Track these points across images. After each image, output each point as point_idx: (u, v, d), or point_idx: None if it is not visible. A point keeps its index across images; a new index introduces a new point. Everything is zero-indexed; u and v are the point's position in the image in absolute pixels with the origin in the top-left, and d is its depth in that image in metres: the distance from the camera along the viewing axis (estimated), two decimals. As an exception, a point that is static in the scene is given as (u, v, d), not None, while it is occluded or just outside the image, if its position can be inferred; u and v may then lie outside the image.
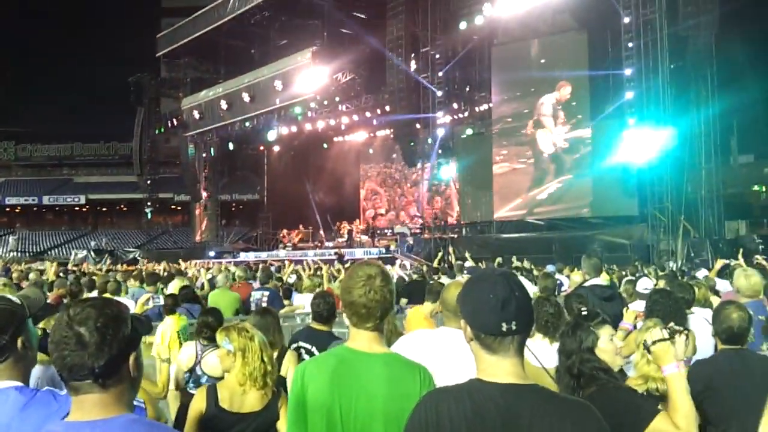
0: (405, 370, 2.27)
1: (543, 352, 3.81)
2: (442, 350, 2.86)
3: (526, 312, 1.69)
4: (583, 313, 3.06)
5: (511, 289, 1.66)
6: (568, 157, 23.13)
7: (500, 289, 1.66)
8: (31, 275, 11.00)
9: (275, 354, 3.96)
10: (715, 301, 6.10)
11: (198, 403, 3.19)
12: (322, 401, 2.20)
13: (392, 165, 34.90)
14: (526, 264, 13.55)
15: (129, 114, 41.45)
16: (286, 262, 17.24)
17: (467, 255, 14.01)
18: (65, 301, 7.15)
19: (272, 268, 12.73)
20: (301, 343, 4.50)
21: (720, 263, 9.91)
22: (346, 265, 15.37)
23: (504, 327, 1.63)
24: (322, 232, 31.95)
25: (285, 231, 32.26)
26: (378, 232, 29.81)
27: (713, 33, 18.69)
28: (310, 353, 4.36)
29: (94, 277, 10.61)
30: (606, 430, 1.66)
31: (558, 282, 8.87)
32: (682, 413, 2.42)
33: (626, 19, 19.39)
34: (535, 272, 12.50)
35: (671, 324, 2.58)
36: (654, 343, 2.56)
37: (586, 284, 5.39)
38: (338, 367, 2.24)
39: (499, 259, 14.05)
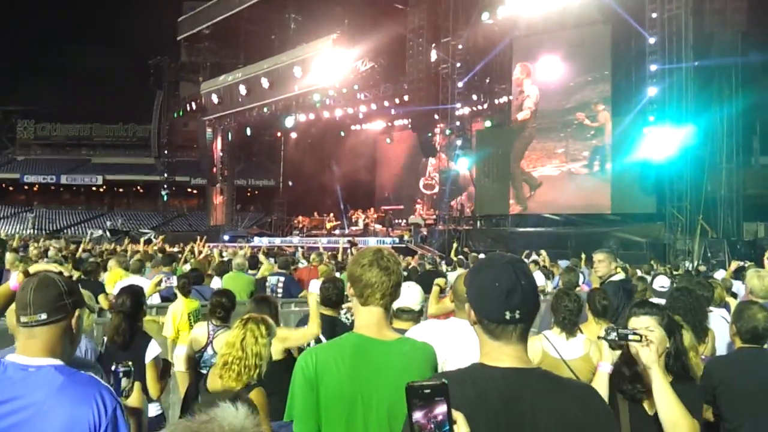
0: (418, 353, 2.25)
1: (560, 346, 3.79)
2: (453, 341, 2.85)
3: (531, 302, 1.68)
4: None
5: (516, 278, 1.64)
6: (586, 153, 22.93)
7: (506, 277, 1.64)
8: (51, 252, 11.06)
9: None
10: (732, 302, 6.05)
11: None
12: (342, 389, 2.13)
13: (410, 154, 34.69)
14: (540, 259, 13.46)
15: (148, 97, 41.68)
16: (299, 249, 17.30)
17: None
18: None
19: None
20: (307, 329, 4.50)
21: (735, 265, 9.84)
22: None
23: (507, 315, 1.63)
24: (332, 218, 31.89)
25: (300, 217, 32.37)
26: (393, 222, 29.76)
27: (740, 31, 18.40)
28: (317, 339, 4.35)
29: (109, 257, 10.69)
30: (609, 413, 1.68)
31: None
32: None
33: (653, 14, 19.12)
34: (547, 265, 12.45)
35: (636, 328, 2.49)
36: (599, 338, 2.56)
37: (615, 279, 5.31)
38: (355, 354, 2.18)
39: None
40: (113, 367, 2.57)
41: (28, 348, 1.86)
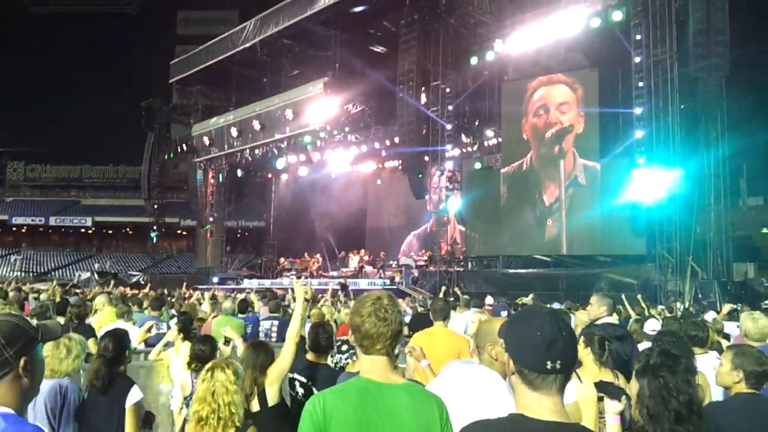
0: (425, 399, 2.27)
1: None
2: (480, 389, 2.77)
3: (572, 352, 1.72)
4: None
5: (559, 329, 1.68)
6: (575, 194, 23.06)
7: (549, 328, 1.68)
8: (42, 296, 10.91)
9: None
10: (724, 343, 6.01)
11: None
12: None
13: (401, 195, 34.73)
14: (529, 300, 13.42)
15: (139, 138, 41.72)
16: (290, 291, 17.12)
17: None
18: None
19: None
20: (296, 375, 4.35)
21: (727, 308, 9.83)
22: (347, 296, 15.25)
23: (549, 365, 1.65)
24: (319, 259, 31.71)
25: (282, 259, 32.26)
26: (385, 264, 29.62)
27: (724, 76, 18.72)
28: (305, 386, 4.24)
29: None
30: None
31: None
32: None
33: (636, 59, 19.47)
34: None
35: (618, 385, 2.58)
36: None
37: (599, 322, 5.27)
38: (362, 398, 2.19)
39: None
40: None
41: None
